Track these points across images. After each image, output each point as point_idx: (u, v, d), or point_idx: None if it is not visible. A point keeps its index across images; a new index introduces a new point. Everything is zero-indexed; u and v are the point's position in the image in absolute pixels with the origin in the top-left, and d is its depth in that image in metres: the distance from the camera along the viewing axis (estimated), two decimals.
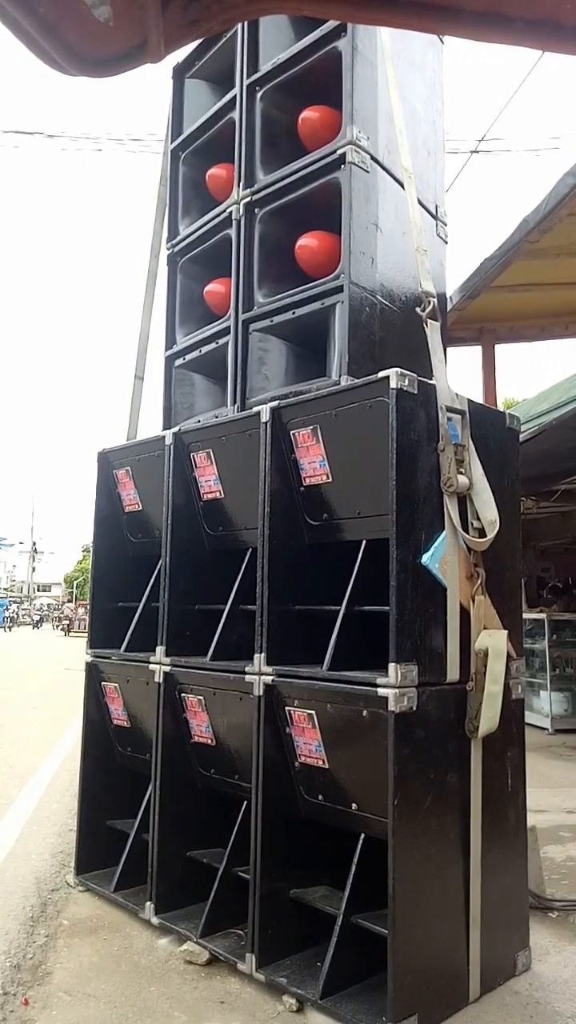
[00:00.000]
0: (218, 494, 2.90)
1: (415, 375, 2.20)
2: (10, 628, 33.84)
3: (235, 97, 3.15)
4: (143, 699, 2.99)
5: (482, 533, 2.32)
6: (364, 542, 2.38)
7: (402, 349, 2.70)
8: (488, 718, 2.23)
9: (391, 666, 2.04)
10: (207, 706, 2.73)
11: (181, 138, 3.55)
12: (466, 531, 2.27)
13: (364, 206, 2.71)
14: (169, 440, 3.00)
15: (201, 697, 2.74)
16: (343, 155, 2.67)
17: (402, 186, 2.71)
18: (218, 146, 3.34)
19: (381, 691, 2.05)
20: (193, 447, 2.95)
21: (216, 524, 2.96)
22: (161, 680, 2.85)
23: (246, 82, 3.09)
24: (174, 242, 3.52)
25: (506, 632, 2.33)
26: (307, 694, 2.33)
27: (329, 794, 2.35)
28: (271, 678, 2.41)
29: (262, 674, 2.44)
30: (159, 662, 2.87)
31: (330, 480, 2.47)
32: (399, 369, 2.17)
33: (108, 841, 3.10)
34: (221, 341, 3.17)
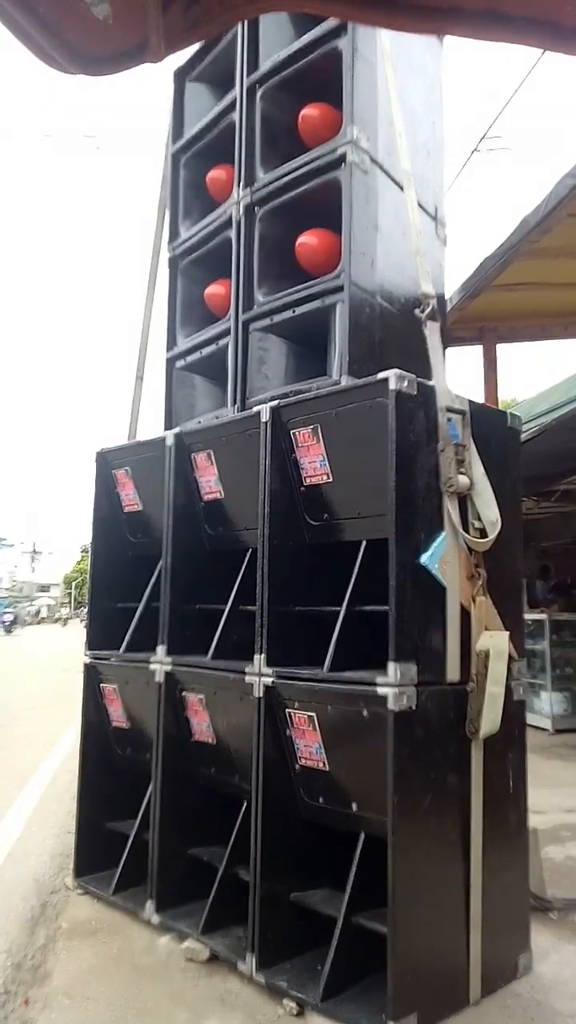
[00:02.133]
0: (219, 494, 2.90)
1: (414, 376, 2.20)
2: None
3: (235, 99, 3.15)
4: (143, 700, 2.99)
5: (483, 533, 2.31)
6: (364, 542, 2.38)
7: (402, 350, 2.70)
8: (489, 719, 2.23)
9: (390, 665, 2.04)
10: (208, 705, 2.73)
11: (182, 141, 3.56)
12: (467, 531, 2.27)
13: (364, 207, 2.71)
14: (170, 441, 3.00)
15: (202, 696, 2.74)
16: (343, 154, 2.68)
17: (402, 188, 2.71)
18: (218, 149, 3.34)
19: (380, 690, 2.05)
20: (194, 448, 2.95)
21: (217, 524, 2.96)
22: (162, 680, 2.85)
23: (246, 81, 3.09)
24: (175, 244, 3.52)
25: (507, 633, 2.33)
26: (307, 696, 2.32)
27: (329, 796, 2.35)
28: (271, 679, 2.41)
29: (262, 675, 2.43)
30: (160, 661, 2.87)
31: (330, 480, 2.47)
32: (398, 371, 2.17)
33: (106, 844, 3.09)
34: (221, 342, 3.17)
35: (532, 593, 8.77)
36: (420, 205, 2.88)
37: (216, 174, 3.36)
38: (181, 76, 3.62)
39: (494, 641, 2.26)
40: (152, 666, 2.90)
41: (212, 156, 3.42)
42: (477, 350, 6.71)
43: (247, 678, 2.48)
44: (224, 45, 3.32)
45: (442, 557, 2.18)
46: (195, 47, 3.47)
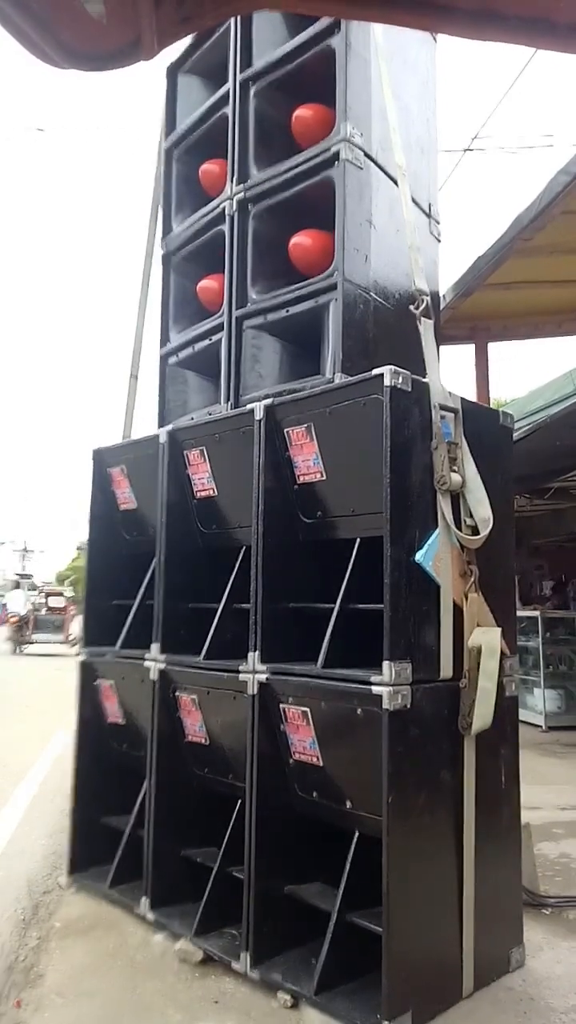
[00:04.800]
0: (212, 492, 2.90)
1: (409, 373, 2.20)
2: None
3: (228, 92, 3.14)
4: (138, 697, 2.98)
5: (475, 531, 2.32)
6: (358, 540, 2.38)
7: (396, 347, 2.69)
8: (481, 715, 2.24)
9: (385, 664, 2.04)
10: (201, 705, 2.73)
11: (175, 135, 3.54)
12: (459, 529, 2.27)
13: (358, 203, 2.71)
14: (163, 438, 2.99)
15: (195, 696, 2.73)
16: (337, 152, 2.67)
17: (396, 183, 2.71)
18: (211, 142, 3.33)
19: (375, 689, 2.05)
20: (187, 445, 2.94)
21: (210, 522, 2.95)
22: (156, 678, 2.84)
23: (239, 79, 3.08)
24: (168, 239, 3.51)
25: (499, 629, 2.34)
26: (301, 692, 2.33)
27: (323, 792, 2.36)
28: (265, 676, 2.41)
29: (256, 672, 2.43)
30: (154, 660, 2.87)
31: (324, 478, 2.47)
32: (393, 367, 2.17)
33: (102, 839, 3.09)
34: (214, 338, 3.16)
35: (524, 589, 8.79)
36: (414, 201, 2.88)
37: (209, 167, 3.35)
38: (173, 69, 3.60)
39: (486, 637, 2.27)
40: (146, 664, 2.89)
41: (205, 149, 3.40)
42: (469, 349, 6.72)
43: (241, 675, 2.48)
44: (217, 38, 3.30)
45: (436, 555, 2.19)
46: (187, 40, 3.46)
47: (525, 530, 9.02)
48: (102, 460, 3.41)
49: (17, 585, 20.60)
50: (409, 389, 2.19)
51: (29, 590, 19.59)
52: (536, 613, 6.86)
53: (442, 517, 2.23)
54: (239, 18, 3.09)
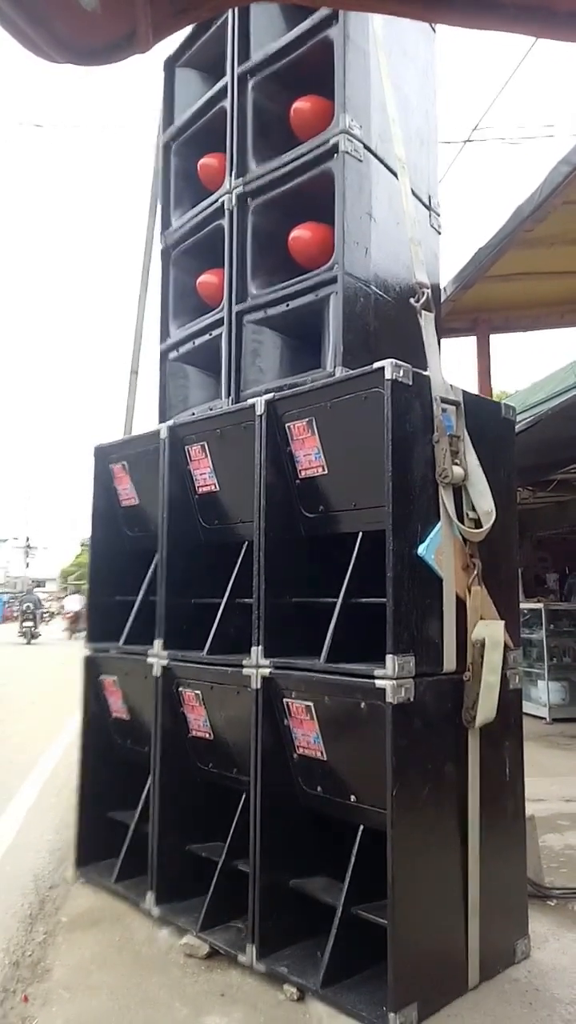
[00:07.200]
0: (213, 487, 2.90)
1: (410, 366, 2.19)
2: None
3: (226, 86, 3.12)
4: (142, 692, 2.99)
5: (478, 524, 2.31)
6: (360, 534, 2.38)
7: (397, 340, 2.68)
8: (485, 708, 2.24)
9: (388, 658, 2.04)
10: (205, 700, 2.73)
11: (172, 128, 3.53)
12: (462, 522, 2.27)
13: (357, 196, 2.69)
14: (164, 434, 2.99)
15: (199, 691, 2.74)
16: (336, 144, 2.65)
17: (396, 176, 2.69)
18: (210, 136, 3.31)
19: (379, 683, 2.05)
20: (188, 440, 2.94)
21: (212, 517, 2.95)
22: (159, 674, 2.85)
23: (237, 71, 3.06)
24: (167, 234, 3.50)
25: (503, 622, 2.34)
26: (305, 686, 2.33)
27: (328, 786, 2.36)
28: (269, 670, 2.41)
29: (260, 667, 2.43)
30: (157, 655, 2.87)
31: (326, 472, 2.46)
32: (394, 360, 2.16)
33: (108, 833, 3.10)
34: (215, 333, 3.15)
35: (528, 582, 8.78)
36: (414, 193, 2.86)
37: (207, 161, 3.33)
38: (171, 63, 3.58)
39: (489, 630, 2.26)
40: (150, 659, 2.90)
41: (203, 143, 3.38)
42: (471, 341, 6.70)
43: (244, 670, 2.48)
44: (214, 30, 3.28)
45: (438, 548, 2.18)
46: (184, 33, 3.44)
47: (528, 522, 9.00)
48: (103, 456, 3.41)
49: (76, 591, 28.16)
50: (410, 382, 2.18)
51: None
52: (540, 605, 6.85)
53: (444, 510, 2.23)
54: (236, 10, 3.07)
